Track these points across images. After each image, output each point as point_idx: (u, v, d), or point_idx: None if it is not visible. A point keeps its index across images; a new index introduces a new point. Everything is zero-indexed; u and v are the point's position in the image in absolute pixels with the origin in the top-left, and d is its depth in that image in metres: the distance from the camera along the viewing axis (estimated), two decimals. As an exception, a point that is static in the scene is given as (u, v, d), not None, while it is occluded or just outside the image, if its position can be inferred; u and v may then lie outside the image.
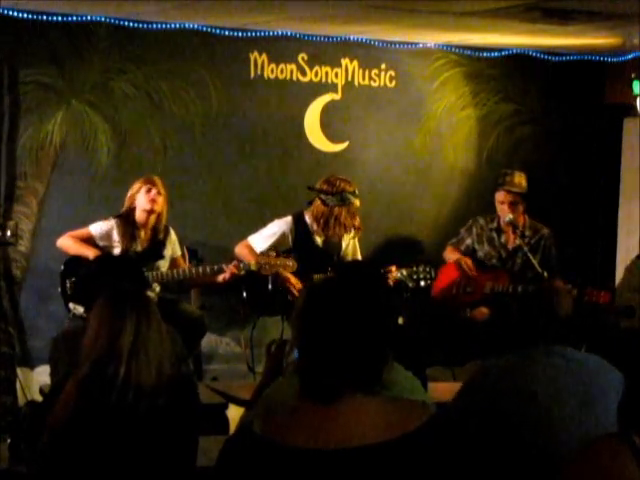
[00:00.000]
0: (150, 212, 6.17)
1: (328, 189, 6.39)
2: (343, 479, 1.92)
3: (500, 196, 6.65)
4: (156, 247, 6.22)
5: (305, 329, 2.03)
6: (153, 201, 6.15)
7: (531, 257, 6.32)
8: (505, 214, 6.59)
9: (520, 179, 6.67)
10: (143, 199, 6.16)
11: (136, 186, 6.21)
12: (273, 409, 2.07)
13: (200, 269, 6.12)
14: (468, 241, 6.82)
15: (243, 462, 1.99)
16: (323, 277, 1.95)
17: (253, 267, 6.17)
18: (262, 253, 6.26)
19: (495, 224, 6.72)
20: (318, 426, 1.95)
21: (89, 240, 6.12)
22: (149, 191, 6.16)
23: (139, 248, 6.15)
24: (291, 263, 6.18)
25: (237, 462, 2.00)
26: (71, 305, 6.03)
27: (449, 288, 6.68)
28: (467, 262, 6.66)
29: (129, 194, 6.22)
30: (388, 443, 1.92)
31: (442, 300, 6.71)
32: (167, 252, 6.28)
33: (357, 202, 6.44)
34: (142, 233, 6.19)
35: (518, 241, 6.54)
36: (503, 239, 6.70)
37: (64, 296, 6.09)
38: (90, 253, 6.01)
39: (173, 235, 6.35)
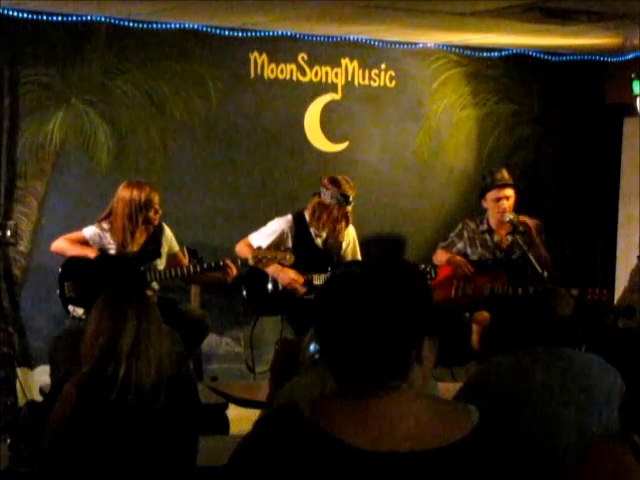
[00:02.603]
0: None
1: (327, 185, 6.44)
2: None
3: (493, 194, 6.59)
4: (152, 246, 6.20)
5: (340, 321, 1.93)
6: (156, 219, 6.12)
7: (531, 258, 6.29)
8: (502, 212, 6.54)
9: (503, 173, 6.67)
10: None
11: (134, 199, 5.99)
12: (324, 400, 1.95)
13: (198, 266, 6.12)
14: (459, 245, 6.78)
15: (285, 444, 1.87)
16: (351, 269, 1.89)
17: (250, 262, 6.18)
18: (259, 248, 6.28)
19: (485, 226, 6.69)
20: (366, 422, 1.87)
21: (84, 243, 6.11)
22: (156, 212, 6.08)
23: (135, 248, 6.13)
24: (288, 256, 6.21)
25: (278, 442, 1.87)
26: (70, 307, 6.03)
27: (447, 289, 6.65)
28: (460, 259, 6.63)
29: (122, 198, 6.03)
30: (438, 450, 1.85)
31: (441, 302, 6.68)
32: (163, 250, 6.27)
33: (349, 208, 6.47)
34: (137, 233, 6.16)
35: (510, 238, 6.52)
36: (496, 239, 6.68)
37: (62, 299, 6.07)
38: (90, 253, 6.01)
39: (168, 231, 6.32)
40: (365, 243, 6.96)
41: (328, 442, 1.85)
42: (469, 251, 6.72)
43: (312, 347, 2.04)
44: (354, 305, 1.91)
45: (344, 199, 6.41)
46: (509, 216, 6.48)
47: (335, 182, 6.45)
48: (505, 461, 1.91)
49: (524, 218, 6.59)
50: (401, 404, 1.90)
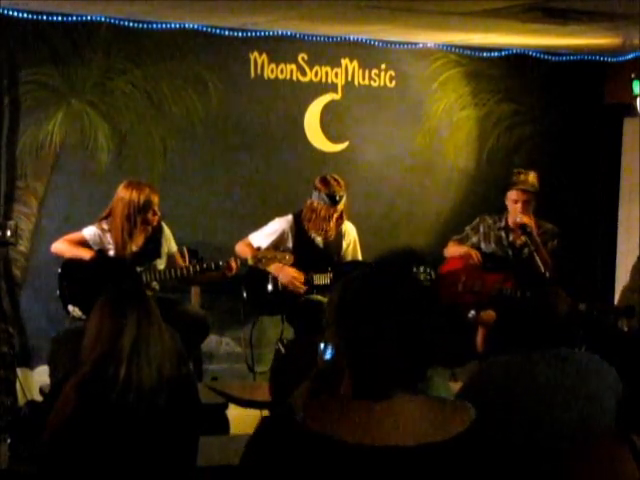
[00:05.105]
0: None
1: (316, 185, 6.44)
2: (388, 477, 1.90)
3: (513, 195, 6.61)
4: (152, 246, 6.20)
5: (355, 326, 1.99)
6: (154, 220, 6.12)
7: (537, 258, 6.30)
8: (517, 213, 6.55)
9: (534, 179, 6.65)
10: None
11: (133, 200, 5.99)
12: (318, 403, 2.00)
13: (198, 267, 6.12)
14: (474, 239, 6.77)
15: (281, 451, 1.93)
16: (362, 273, 1.89)
17: (250, 261, 6.20)
18: (259, 248, 6.31)
19: (503, 223, 6.69)
20: (366, 423, 1.92)
21: (84, 244, 6.10)
22: (154, 214, 6.08)
23: (134, 248, 6.13)
24: (287, 257, 6.24)
25: (274, 451, 1.94)
26: (70, 307, 6.03)
27: (455, 284, 6.63)
28: (475, 253, 6.62)
29: (122, 199, 6.02)
30: (435, 445, 1.90)
31: (447, 297, 6.67)
32: (163, 249, 6.27)
33: (340, 206, 6.45)
34: (136, 234, 6.15)
35: (524, 238, 6.52)
36: (511, 237, 6.68)
37: (63, 298, 6.08)
38: (86, 254, 6.01)
39: (167, 231, 6.32)
40: (365, 243, 6.96)
41: (319, 440, 1.90)
42: (483, 245, 6.73)
43: (328, 354, 2.04)
44: (378, 314, 1.97)
45: (329, 199, 6.40)
46: (521, 217, 6.49)
47: (324, 182, 6.45)
48: (498, 456, 1.95)
49: (533, 221, 6.57)
50: (405, 404, 1.94)
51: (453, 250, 6.78)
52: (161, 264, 6.23)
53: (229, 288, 6.54)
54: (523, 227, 6.46)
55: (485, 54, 7.86)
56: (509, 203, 6.65)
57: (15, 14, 6.53)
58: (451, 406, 2.02)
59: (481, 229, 6.77)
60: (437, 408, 1.97)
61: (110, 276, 5.82)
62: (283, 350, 6.17)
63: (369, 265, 6.41)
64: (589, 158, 8.25)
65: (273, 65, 7.33)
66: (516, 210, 6.57)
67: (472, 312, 6.48)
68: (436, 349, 2.02)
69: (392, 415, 1.93)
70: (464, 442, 1.91)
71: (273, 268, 6.39)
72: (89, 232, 6.13)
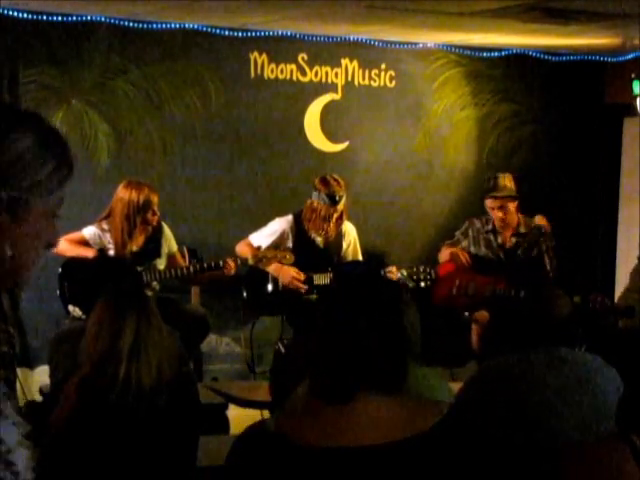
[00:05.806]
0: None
1: (316, 185, 6.43)
2: (354, 477, 1.91)
3: (488, 202, 6.63)
4: (152, 245, 6.21)
5: (321, 329, 2.02)
6: (154, 220, 6.11)
7: (547, 259, 6.29)
8: (499, 219, 6.57)
9: (505, 181, 6.64)
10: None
11: (133, 200, 6.00)
12: (286, 408, 2.05)
13: (198, 266, 6.13)
14: (464, 243, 6.78)
15: (254, 459, 1.97)
16: (342, 278, 1.92)
17: (250, 261, 6.20)
18: (259, 248, 6.31)
19: (490, 226, 6.70)
20: (331, 425, 1.94)
21: (84, 244, 6.11)
22: (154, 214, 6.07)
23: (135, 248, 6.13)
24: (288, 256, 6.24)
25: (248, 459, 1.98)
26: (70, 307, 6.03)
27: (449, 287, 6.65)
28: (461, 253, 6.63)
29: (121, 199, 6.03)
30: (400, 443, 1.90)
31: (442, 300, 6.68)
32: (163, 250, 6.27)
33: (339, 206, 6.44)
34: (136, 234, 6.15)
35: (514, 239, 6.53)
36: (500, 240, 6.68)
37: (63, 298, 6.08)
38: (89, 253, 6.01)
39: (167, 231, 6.32)
40: (365, 243, 6.96)
41: (287, 445, 1.93)
42: (472, 249, 6.73)
43: None
44: (340, 319, 1.98)
45: (329, 199, 6.39)
46: (537, 217, 6.50)
47: (323, 182, 6.44)
48: (461, 453, 1.94)
49: (542, 219, 6.57)
50: (371, 405, 1.95)
51: (445, 254, 6.79)
52: (161, 264, 6.23)
53: (229, 288, 6.54)
54: (538, 228, 6.45)
55: (485, 54, 7.87)
56: (488, 210, 6.66)
57: (15, 14, 6.53)
58: (420, 404, 2.03)
59: (470, 233, 6.77)
60: (406, 407, 1.97)
61: (110, 276, 5.83)
62: (283, 350, 6.17)
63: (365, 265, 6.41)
64: (589, 158, 8.25)
65: (273, 65, 7.34)
66: (497, 216, 6.58)
67: (466, 314, 6.51)
68: (409, 350, 2.01)
69: (359, 416, 1.94)
70: (431, 438, 1.91)
71: (272, 268, 6.39)
72: (89, 232, 6.14)
